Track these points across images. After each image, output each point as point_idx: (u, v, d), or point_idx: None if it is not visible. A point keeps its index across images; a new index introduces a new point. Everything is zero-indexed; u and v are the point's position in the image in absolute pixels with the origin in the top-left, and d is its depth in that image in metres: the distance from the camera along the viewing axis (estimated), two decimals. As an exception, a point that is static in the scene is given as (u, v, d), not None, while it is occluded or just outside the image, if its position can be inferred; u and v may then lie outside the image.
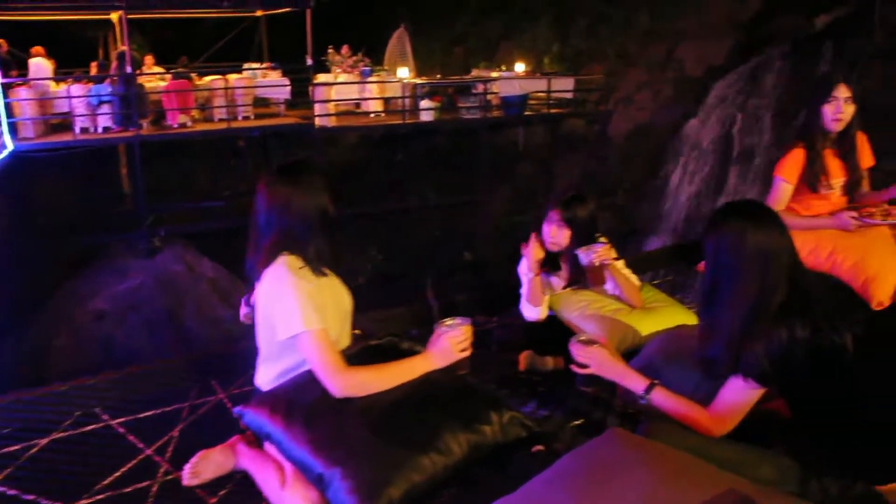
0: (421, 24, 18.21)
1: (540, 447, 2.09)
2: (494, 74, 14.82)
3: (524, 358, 3.14)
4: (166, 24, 16.79)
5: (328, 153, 15.99)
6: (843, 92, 3.47)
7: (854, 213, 3.47)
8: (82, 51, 15.79)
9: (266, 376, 2.39)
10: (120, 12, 12.29)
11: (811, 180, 3.57)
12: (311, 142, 13.04)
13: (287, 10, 13.86)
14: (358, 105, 14.31)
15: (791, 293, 1.89)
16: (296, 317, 2.16)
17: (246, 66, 14.40)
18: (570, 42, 16.06)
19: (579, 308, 3.14)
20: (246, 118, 13.32)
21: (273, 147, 14.64)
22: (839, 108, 3.46)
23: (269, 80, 13.64)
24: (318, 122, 12.85)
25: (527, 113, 14.44)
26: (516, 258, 3.33)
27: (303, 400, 2.04)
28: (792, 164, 3.60)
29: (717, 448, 1.92)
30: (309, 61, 12.98)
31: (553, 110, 14.63)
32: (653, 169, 13.24)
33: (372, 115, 14.09)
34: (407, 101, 13.59)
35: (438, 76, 15.07)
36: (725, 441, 1.96)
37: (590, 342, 2.17)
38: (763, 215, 1.98)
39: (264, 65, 14.36)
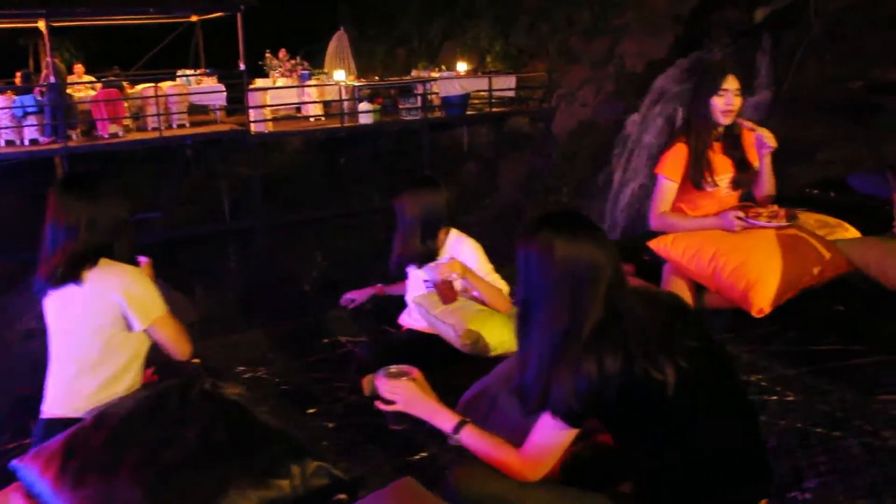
0: (363, 25, 18.03)
1: (342, 496, 1.87)
2: (434, 74, 14.63)
3: (366, 382, 2.89)
4: (100, 31, 16.39)
5: (272, 158, 15.78)
6: (732, 83, 3.32)
7: (740, 214, 3.26)
8: (15, 60, 15.39)
9: (81, 393, 2.35)
10: (42, 20, 11.90)
11: (695, 177, 3.39)
12: (248, 148, 12.74)
13: (219, 14, 13.54)
14: (299, 109, 14.06)
15: (606, 318, 1.66)
16: (157, 301, 2.36)
17: (180, 72, 14.07)
18: (513, 40, 15.93)
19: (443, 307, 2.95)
20: (181, 126, 13.00)
21: (212, 154, 14.33)
22: (729, 101, 3.30)
23: (203, 87, 13.33)
24: (253, 128, 12.57)
25: (469, 112, 14.27)
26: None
27: (78, 453, 1.82)
28: (674, 160, 3.42)
29: (530, 493, 1.73)
30: (241, 66, 12.67)
31: (496, 109, 14.48)
32: (596, 166, 13.13)
33: (312, 119, 13.84)
34: (345, 104, 13.35)
35: (376, 78, 14.83)
36: (540, 484, 1.75)
37: (399, 374, 1.93)
38: (579, 227, 1.73)
39: (198, 71, 14.03)
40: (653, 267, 3.54)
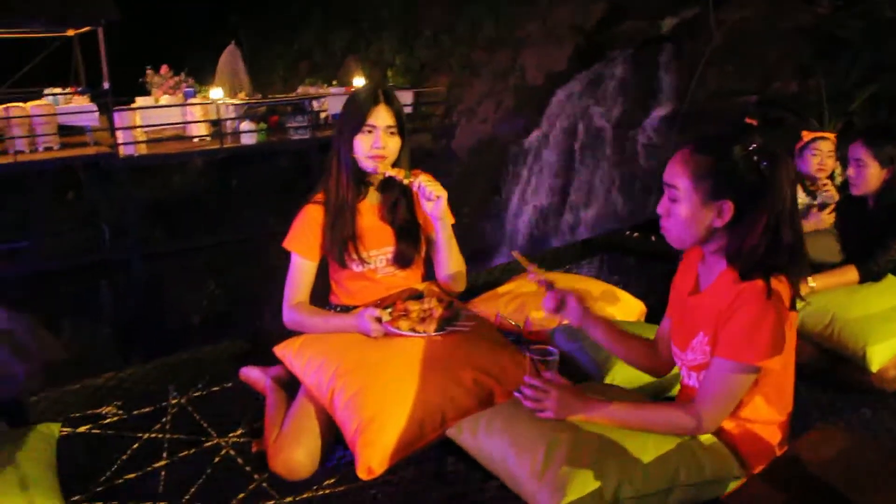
0: (263, 39, 17.20)
1: None
2: (323, 91, 13.85)
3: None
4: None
5: (160, 182, 14.83)
6: (383, 118, 2.34)
7: (378, 313, 2.25)
8: None
9: None
10: None
11: (334, 250, 2.43)
12: (117, 172, 11.78)
13: (88, 29, 12.60)
14: (184, 129, 13.16)
15: None
16: None
17: (47, 91, 13.05)
18: (416, 54, 15.27)
19: None
20: (48, 149, 11.98)
21: (90, 179, 13.34)
22: (377, 142, 2.33)
23: (72, 107, 12.33)
24: (122, 150, 11.62)
25: (365, 130, 13.49)
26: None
27: None
28: (306, 228, 2.43)
29: None
30: (106, 85, 11.74)
31: (394, 126, 13.73)
32: (497, 183, 12.50)
33: (196, 140, 12.94)
34: (228, 123, 12.50)
35: (259, 95, 14.00)
36: None
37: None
38: None
39: (68, 90, 13.03)
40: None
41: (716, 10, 10.88)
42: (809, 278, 2.78)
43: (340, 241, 2.41)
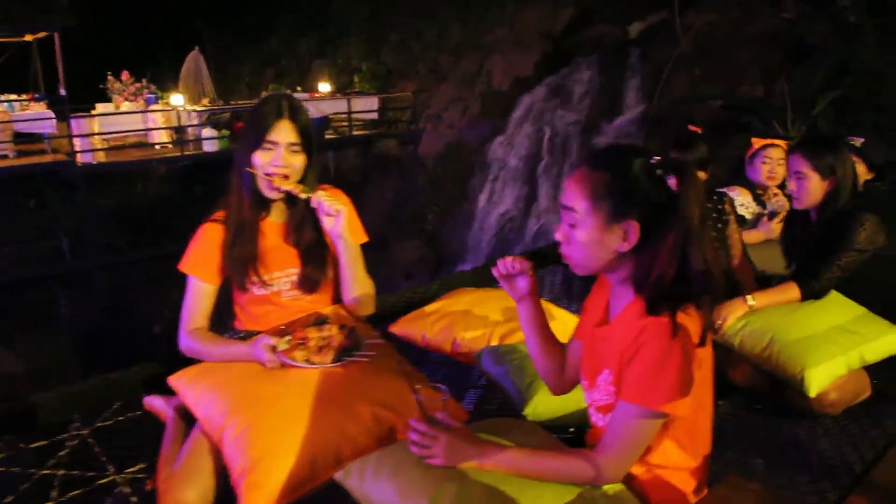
0: (228, 44, 16.97)
1: None
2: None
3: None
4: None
5: (126, 190, 14.55)
6: (286, 134, 2.14)
7: (273, 342, 2.02)
8: None
9: None
10: None
11: (236, 272, 2.21)
12: (75, 180, 11.51)
13: (44, 34, 12.32)
14: (147, 136, 12.90)
15: None
16: None
17: (2, 97, 12.74)
18: (383, 59, 15.11)
19: None
20: (3, 157, 11.70)
21: (49, 187, 13.04)
22: (277, 160, 2.12)
23: (28, 114, 12.05)
24: (80, 158, 11.36)
25: (330, 136, 13.33)
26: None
27: None
28: (204, 249, 2.22)
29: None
30: (62, 91, 11.48)
31: (359, 132, 13.58)
32: (462, 190, 12.36)
33: (158, 147, 12.70)
34: (189, 130, 12.27)
35: (220, 102, 13.78)
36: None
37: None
38: None
39: (23, 96, 12.74)
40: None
41: (682, 15, 10.84)
42: (749, 296, 2.64)
43: (241, 263, 2.20)
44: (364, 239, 2.32)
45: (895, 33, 8.36)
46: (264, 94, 14.39)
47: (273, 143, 2.14)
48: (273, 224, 2.27)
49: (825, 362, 2.39)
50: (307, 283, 2.27)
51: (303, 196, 2.16)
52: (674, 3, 10.70)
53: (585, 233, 1.53)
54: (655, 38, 11.50)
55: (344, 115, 13.37)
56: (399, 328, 2.76)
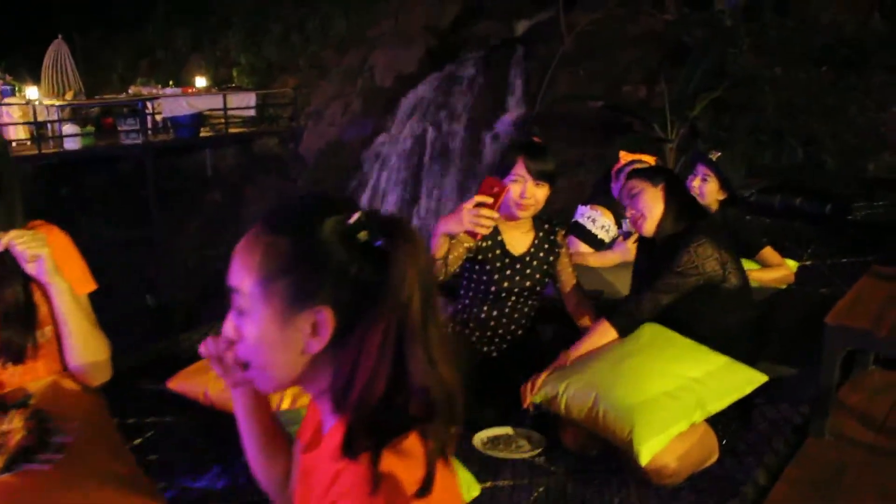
0: (100, 34, 15.95)
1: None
2: (156, 92, 12.89)
3: None
4: None
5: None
6: None
7: None
8: None
9: None
10: None
11: None
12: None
13: None
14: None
15: None
16: None
17: None
18: (264, 52, 14.47)
19: None
20: None
21: None
22: None
23: None
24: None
25: (206, 134, 12.65)
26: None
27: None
28: None
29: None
30: None
31: (235, 130, 12.95)
32: (344, 190, 11.92)
33: (15, 144, 11.73)
34: (49, 127, 11.40)
35: (83, 96, 12.91)
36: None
37: None
38: None
39: None
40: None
41: (567, 14, 10.73)
42: (563, 353, 2.33)
43: None
44: (91, 287, 1.89)
45: (767, 38, 8.45)
46: (133, 88, 13.62)
47: None
48: None
49: (654, 426, 2.02)
50: (8, 352, 1.78)
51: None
52: (559, 2, 10.56)
53: (256, 326, 1.03)
54: (541, 36, 11.39)
55: (220, 112, 12.69)
56: (177, 383, 2.33)
